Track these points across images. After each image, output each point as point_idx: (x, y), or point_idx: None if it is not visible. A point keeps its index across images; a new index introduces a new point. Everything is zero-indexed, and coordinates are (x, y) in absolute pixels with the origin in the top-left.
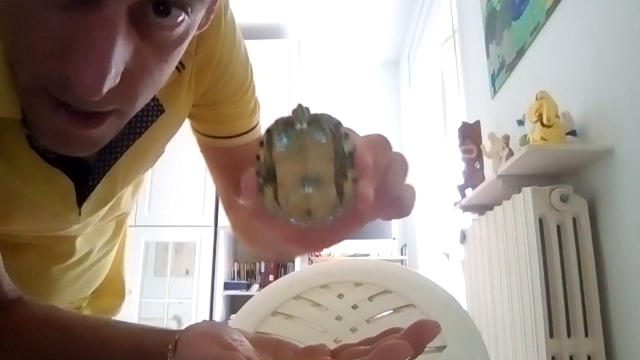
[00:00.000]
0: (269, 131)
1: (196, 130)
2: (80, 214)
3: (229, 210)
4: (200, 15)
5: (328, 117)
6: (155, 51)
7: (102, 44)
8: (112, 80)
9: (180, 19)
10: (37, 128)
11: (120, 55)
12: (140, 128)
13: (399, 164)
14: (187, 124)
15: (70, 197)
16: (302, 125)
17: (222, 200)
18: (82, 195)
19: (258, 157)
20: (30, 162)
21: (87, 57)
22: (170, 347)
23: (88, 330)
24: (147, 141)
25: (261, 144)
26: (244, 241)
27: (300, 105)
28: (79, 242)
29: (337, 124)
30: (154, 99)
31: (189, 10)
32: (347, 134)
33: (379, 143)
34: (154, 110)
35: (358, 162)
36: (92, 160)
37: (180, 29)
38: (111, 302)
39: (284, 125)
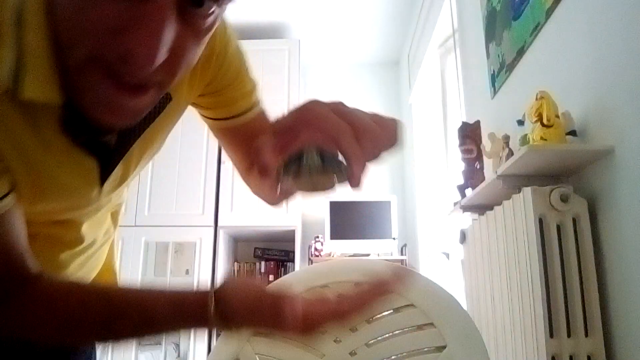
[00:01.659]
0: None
1: (208, 118)
2: (101, 192)
3: (246, 175)
4: (224, 9)
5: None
6: (192, 36)
7: (156, 26)
8: (162, 56)
9: (212, 10)
10: (88, 100)
11: (168, 36)
12: (153, 114)
13: (388, 141)
14: (190, 124)
15: (95, 176)
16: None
17: (238, 169)
18: (103, 175)
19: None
20: (62, 145)
21: (144, 36)
22: (210, 296)
23: (124, 291)
24: (156, 127)
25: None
26: (256, 191)
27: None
28: (84, 230)
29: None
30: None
31: (219, 2)
32: (340, 161)
33: (379, 131)
34: (164, 98)
35: (350, 173)
36: (112, 145)
37: (211, 19)
38: None
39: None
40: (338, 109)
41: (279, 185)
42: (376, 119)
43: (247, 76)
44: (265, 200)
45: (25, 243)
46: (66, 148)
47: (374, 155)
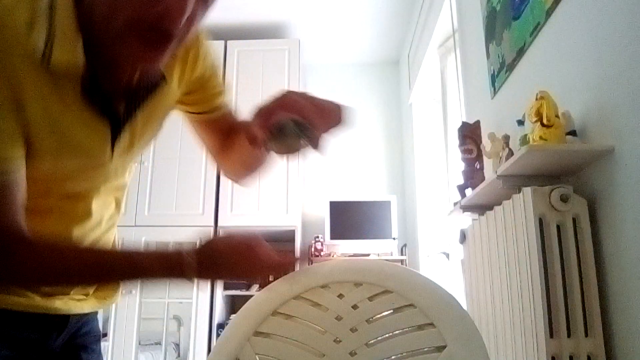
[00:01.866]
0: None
1: (190, 113)
2: (113, 155)
3: (218, 157)
4: None
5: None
6: (201, 6)
7: None
8: (188, 12)
9: None
10: (125, 56)
11: (191, 3)
12: (151, 90)
13: (338, 119)
14: (179, 123)
15: (107, 138)
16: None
17: (211, 152)
18: (113, 139)
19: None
20: (81, 108)
21: (175, 3)
22: (190, 249)
23: (108, 249)
24: (154, 103)
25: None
26: (227, 169)
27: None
28: (93, 206)
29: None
30: (159, 72)
31: None
32: (307, 127)
33: (330, 109)
34: (160, 79)
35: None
36: (120, 114)
37: None
38: (111, 292)
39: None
40: (305, 96)
41: (265, 150)
42: (331, 103)
43: (220, 77)
44: (234, 178)
45: (22, 209)
46: (84, 111)
47: (330, 126)
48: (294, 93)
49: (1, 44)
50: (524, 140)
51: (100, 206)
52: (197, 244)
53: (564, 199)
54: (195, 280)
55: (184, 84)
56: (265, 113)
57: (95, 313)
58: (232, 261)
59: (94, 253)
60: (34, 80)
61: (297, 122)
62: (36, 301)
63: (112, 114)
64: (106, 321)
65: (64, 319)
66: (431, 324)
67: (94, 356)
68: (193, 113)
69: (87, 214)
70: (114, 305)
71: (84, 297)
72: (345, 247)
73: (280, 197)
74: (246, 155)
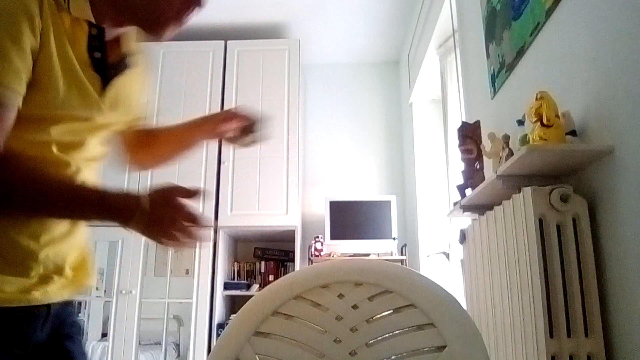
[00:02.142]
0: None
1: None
2: (103, 105)
3: (131, 150)
4: None
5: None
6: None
7: None
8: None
9: None
10: (165, 11)
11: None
12: (130, 63)
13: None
14: None
15: (99, 88)
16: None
17: (122, 147)
18: (103, 91)
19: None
20: (85, 58)
21: None
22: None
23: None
24: (130, 75)
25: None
26: (139, 160)
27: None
28: (80, 163)
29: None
30: (133, 59)
31: None
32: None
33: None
34: (134, 58)
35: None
36: (109, 75)
37: None
38: (87, 279)
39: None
40: (243, 107)
41: (233, 144)
42: (252, 113)
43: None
44: (141, 168)
45: (6, 135)
46: (87, 62)
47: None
48: (236, 108)
49: None
50: (524, 140)
51: (85, 168)
52: (144, 194)
53: (564, 199)
54: (136, 226)
55: (147, 73)
56: (224, 119)
57: (73, 303)
58: (168, 216)
59: (58, 179)
60: (57, 23)
61: (251, 126)
62: (15, 295)
63: (103, 73)
64: (106, 321)
65: (46, 309)
66: (431, 324)
67: (78, 345)
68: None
69: (77, 170)
70: (113, 305)
71: (64, 282)
72: (345, 247)
73: (280, 197)
74: (172, 150)
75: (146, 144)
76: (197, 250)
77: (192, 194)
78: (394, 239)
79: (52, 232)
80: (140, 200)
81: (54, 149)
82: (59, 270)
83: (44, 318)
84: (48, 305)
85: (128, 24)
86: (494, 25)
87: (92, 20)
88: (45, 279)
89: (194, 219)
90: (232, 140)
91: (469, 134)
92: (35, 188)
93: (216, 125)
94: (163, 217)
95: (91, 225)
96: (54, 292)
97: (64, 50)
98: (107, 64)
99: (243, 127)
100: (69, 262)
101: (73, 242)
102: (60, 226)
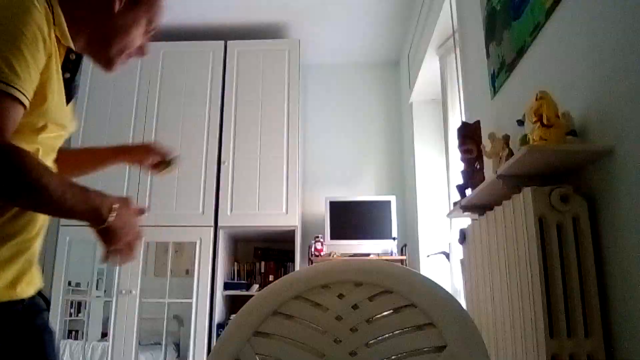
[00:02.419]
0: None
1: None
2: (71, 117)
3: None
4: None
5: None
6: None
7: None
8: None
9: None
10: (113, 61)
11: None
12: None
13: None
14: (190, 124)
15: (65, 101)
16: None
17: (61, 170)
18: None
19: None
20: (60, 76)
21: (146, 44)
22: (112, 207)
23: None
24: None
25: (168, 162)
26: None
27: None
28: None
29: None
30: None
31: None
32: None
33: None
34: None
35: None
36: (71, 91)
37: None
38: (41, 276)
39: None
40: (159, 144)
41: (156, 172)
42: (167, 148)
43: None
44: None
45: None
46: (61, 77)
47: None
48: (154, 144)
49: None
50: (524, 140)
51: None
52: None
53: (564, 199)
54: (100, 225)
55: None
56: (143, 152)
57: (38, 298)
58: (130, 224)
59: (52, 172)
60: (57, 49)
61: (164, 159)
62: (4, 291)
63: (68, 91)
64: (106, 321)
65: (21, 304)
66: (431, 324)
67: (52, 335)
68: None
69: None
70: (113, 305)
71: (33, 277)
72: (345, 247)
73: (280, 197)
74: (86, 169)
75: (63, 160)
76: (198, 251)
77: (142, 211)
78: (394, 239)
79: (36, 228)
80: (113, 204)
81: (39, 153)
82: (32, 265)
83: (19, 313)
84: (23, 300)
85: (91, 54)
86: (494, 25)
87: (73, 47)
88: (24, 274)
89: (139, 235)
90: (150, 168)
91: (469, 134)
92: (54, 181)
93: (135, 155)
94: (124, 225)
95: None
96: (29, 287)
97: (57, 71)
98: (72, 85)
99: (158, 160)
100: (36, 258)
101: (42, 238)
102: (40, 222)
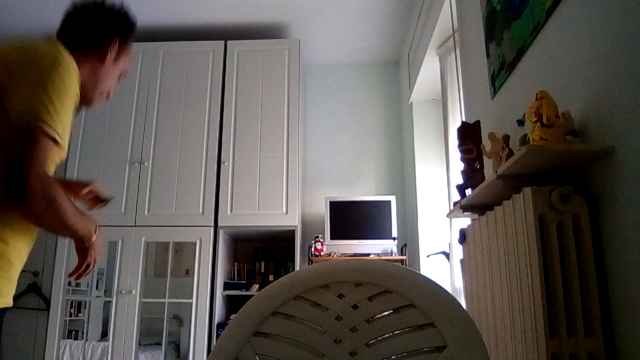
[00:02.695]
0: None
1: None
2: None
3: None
4: None
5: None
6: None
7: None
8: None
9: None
10: (96, 98)
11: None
12: None
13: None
14: (189, 124)
15: None
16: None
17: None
18: None
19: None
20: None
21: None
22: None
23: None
24: None
25: (104, 200)
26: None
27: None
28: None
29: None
30: None
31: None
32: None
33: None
34: None
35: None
36: None
37: None
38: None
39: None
40: (96, 185)
41: (96, 206)
42: (101, 190)
43: None
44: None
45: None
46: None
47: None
48: (92, 184)
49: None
50: (524, 140)
51: None
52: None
53: (564, 199)
54: (87, 244)
55: None
56: (84, 189)
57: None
58: (100, 243)
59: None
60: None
61: (99, 197)
62: (6, 299)
63: None
64: (106, 321)
65: (2, 313)
66: (431, 324)
67: None
68: None
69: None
70: (113, 305)
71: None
72: (346, 247)
73: (280, 197)
74: None
75: None
76: (198, 251)
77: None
78: (394, 239)
79: (32, 242)
80: (97, 226)
81: (51, 172)
82: (17, 275)
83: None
84: (5, 310)
85: (80, 94)
86: (494, 25)
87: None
88: (13, 283)
89: (100, 253)
90: (88, 203)
91: (469, 134)
92: (71, 208)
93: (78, 191)
94: (99, 244)
95: None
96: (10, 295)
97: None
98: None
99: (95, 197)
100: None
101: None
102: (34, 236)
